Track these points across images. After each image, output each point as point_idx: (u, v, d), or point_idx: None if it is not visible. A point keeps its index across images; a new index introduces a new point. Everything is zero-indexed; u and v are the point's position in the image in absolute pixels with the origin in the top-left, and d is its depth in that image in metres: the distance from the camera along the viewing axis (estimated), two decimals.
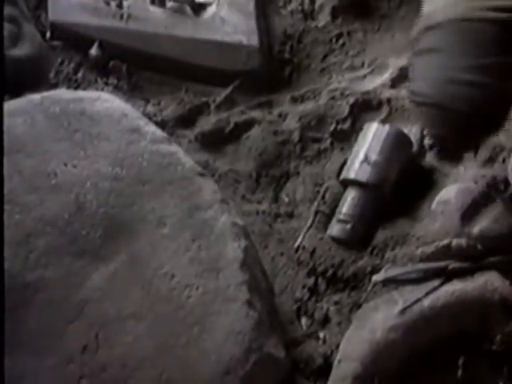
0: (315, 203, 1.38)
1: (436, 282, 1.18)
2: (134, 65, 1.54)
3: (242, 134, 1.49)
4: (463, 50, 1.39)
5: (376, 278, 1.25)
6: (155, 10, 1.58)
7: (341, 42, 1.67)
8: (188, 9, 1.59)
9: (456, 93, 1.37)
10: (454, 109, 1.36)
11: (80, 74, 1.51)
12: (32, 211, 1.11)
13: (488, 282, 1.17)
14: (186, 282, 1.10)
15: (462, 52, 1.38)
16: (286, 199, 1.42)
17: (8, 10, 1.42)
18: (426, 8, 1.46)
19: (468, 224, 1.22)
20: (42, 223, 1.11)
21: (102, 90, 1.49)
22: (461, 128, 1.37)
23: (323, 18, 1.69)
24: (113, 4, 1.56)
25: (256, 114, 1.52)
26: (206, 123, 1.49)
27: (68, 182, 1.14)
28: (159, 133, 1.23)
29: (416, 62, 1.45)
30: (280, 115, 1.52)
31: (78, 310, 1.07)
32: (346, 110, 1.50)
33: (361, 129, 1.43)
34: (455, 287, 1.17)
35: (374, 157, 1.35)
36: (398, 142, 1.38)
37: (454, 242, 1.21)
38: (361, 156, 1.36)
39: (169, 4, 1.59)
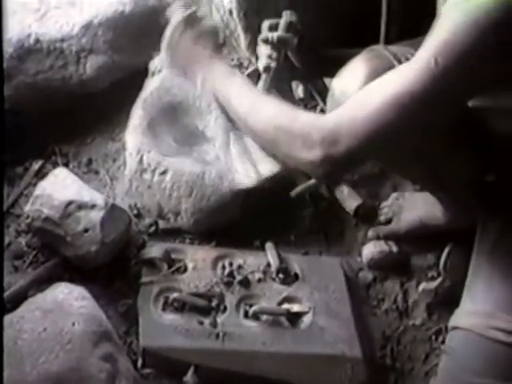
0: None
1: None
2: None
3: None
4: None
5: None
6: (250, 325, 1.47)
7: (440, 338, 1.58)
8: (284, 320, 1.49)
9: None
10: None
11: None
12: None
13: None
14: None
15: None
16: None
17: (105, 348, 1.30)
18: None
19: None
20: None
21: None
22: None
23: (419, 315, 1.61)
24: (206, 322, 1.45)
25: None
26: None
27: None
28: None
29: None
30: None
31: None
32: None
33: None
34: None
35: None
36: None
37: None
38: None
39: (263, 317, 1.49)
